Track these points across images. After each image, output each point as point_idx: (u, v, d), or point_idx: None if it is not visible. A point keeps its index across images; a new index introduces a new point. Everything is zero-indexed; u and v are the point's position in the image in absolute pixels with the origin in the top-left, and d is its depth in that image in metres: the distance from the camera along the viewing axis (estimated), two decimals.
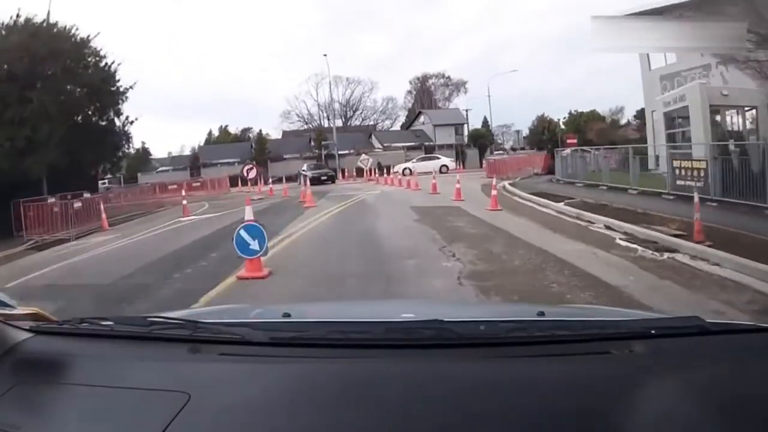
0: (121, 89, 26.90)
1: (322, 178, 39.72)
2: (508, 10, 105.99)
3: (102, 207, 20.90)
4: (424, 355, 1.51)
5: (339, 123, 71.62)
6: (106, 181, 55.15)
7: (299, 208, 20.64)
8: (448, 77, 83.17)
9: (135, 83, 27.85)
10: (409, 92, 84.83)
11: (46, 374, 1.47)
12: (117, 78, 26.81)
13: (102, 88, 25.35)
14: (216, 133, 78.23)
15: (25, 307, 1.66)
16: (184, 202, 23.17)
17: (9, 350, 1.53)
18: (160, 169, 60.41)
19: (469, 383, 1.34)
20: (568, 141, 38.71)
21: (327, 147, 56.54)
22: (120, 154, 30.77)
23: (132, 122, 29.11)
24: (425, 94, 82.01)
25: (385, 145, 60.04)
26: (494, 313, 2.52)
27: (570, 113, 71.47)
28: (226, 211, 21.25)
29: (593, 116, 68.36)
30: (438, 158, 47.13)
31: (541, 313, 1.89)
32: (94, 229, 19.43)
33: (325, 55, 58.13)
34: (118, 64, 26.38)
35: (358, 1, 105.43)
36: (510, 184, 25.22)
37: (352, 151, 56.56)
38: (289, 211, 19.76)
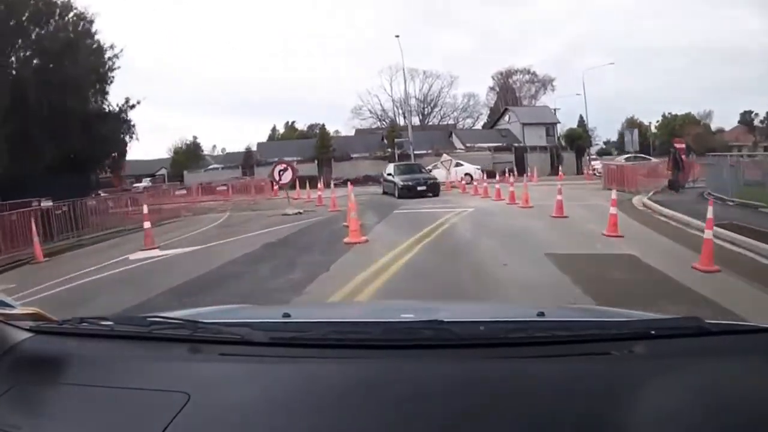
0: (106, 51, 23.02)
1: (419, 188, 26.15)
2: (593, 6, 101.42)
3: (34, 228, 13.95)
4: (424, 355, 1.50)
5: (416, 121, 65.01)
6: (144, 181, 50.65)
7: (335, 244, 12.04)
8: (534, 73, 76.15)
9: (122, 50, 24.42)
10: (492, 89, 78.23)
11: (46, 374, 1.46)
12: (94, 32, 22.87)
13: (77, 50, 21.00)
14: (281, 129, 73.65)
15: (25, 306, 1.67)
16: (147, 224, 14.40)
17: (9, 350, 1.53)
18: (210, 167, 55.92)
19: (469, 384, 1.33)
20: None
21: (401, 146, 49.25)
22: (118, 146, 26.15)
23: (132, 106, 24.72)
24: (508, 91, 75.02)
25: (468, 145, 53.18)
26: (494, 314, 2.55)
27: (663, 116, 65.32)
28: (220, 241, 14.22)
29: (688, 119, 62.08)
30: (461, 164, 39.11)
31: (541, 314, 1.88)
32: (23, 257, 13.82)
33: (397, 36, 51.54)
34: (93, 21, 22.47)
35: None
36: (655, 202, 17.25)
37: (429, 151, 49.42)
38: (308, 256, 10.84)
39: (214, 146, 71.63)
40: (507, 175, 33.08)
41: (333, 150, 52.15)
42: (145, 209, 15.62)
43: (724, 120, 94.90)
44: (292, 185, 24.35)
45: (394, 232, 13.64)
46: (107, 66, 23.85)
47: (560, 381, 1.35)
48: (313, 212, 20.94)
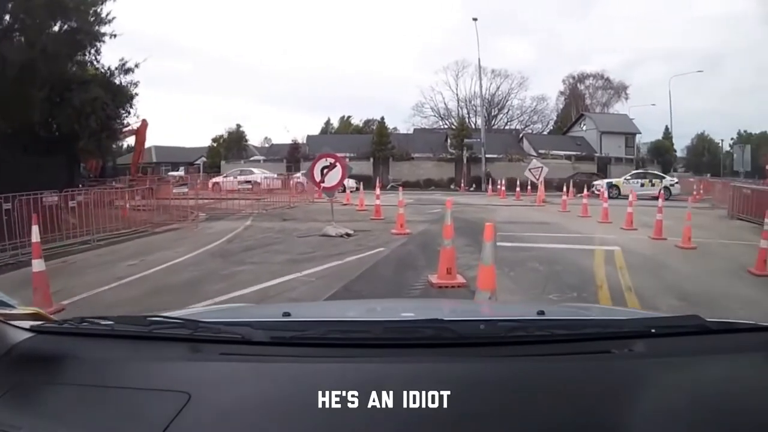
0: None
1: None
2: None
3: None
4: (424, 354, 1.50)
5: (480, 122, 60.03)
6: (181, 170, 47.11)
7: None
8: (607, 78, 71.01)
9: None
10: (562, 93, 73.07)
11: (46, 374, 1.46)
12: None
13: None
14: (336, 123, 69.88)
15: (25, 306, 1.67)
16: (36, 265, 7.05)
17: (9, 350, 1.52)
18: (252, 158, 51.31)
19: (469, 382, 1.33)
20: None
21: (471, 147, 44.58)
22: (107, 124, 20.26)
23: (128, 70, 19.88)
24: (579, 98, 70.41)
25: (541, 151, 48.13)
26: (494, 313, 2.56)
27: (739, 133, 59.97)
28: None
29: (765, 138, 56.24)
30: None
31: (541, 313, 1.90)
32: None
33: (475, 19, 43.35)
34: None
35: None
36: None
37: (501, 155, 45.09)
38: None
39: (266, 138, 67.27)
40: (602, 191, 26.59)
41: (392, 147, 46.80)
42: (36, 235, 7.49)
43: None
44: (342, 188, 19.17)
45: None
46: (96, 22, 19.27)
47: (561, 379, 1.35)
48: (368, 233, 13.90)
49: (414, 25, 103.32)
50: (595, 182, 32.27)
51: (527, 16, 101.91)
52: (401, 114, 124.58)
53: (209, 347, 1.55)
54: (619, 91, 70.40)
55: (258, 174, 33.78)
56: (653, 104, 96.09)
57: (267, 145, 60.54)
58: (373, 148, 46.46)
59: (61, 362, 1.51)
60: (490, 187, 35.63)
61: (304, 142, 52.33)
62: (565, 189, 25.04)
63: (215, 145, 55.16)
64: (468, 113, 65.05)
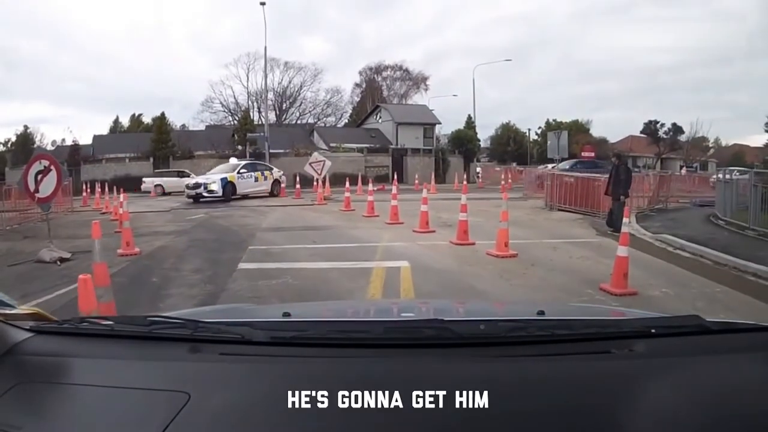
0: None
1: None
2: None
3: None
4: (425, 354, 1.50)
5: (272, 117, 55.44)
6: None
7: None
8: (406, 69, 69.48)
9: None
10: (358, 85, 70.79)
11: (46, 374, 1.45)
12: None
13: None
14: (126, 122, 63.52)
15: (25, 307, 1.68)
16: None
17: (9, 350, 1.51)
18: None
19: (469, 382, 1.32)
20: (584, 155, 30.92)
21: (255, 142, 41.25)
22: None
23: None
24: (376, 90, 68.13)
25: (332, 145, 44.96)
26: (494, 313, 2.58)
27: (548, 123, 60.89)
28: None
29: (576, 127, 57.34)
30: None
31: (541, 312, 1.88)
32: None
33: (262, 3, 38.83)
34: None
35: None
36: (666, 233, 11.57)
37: (289, 150, 41.10)
38: None
39: (53, 141, 58.96)
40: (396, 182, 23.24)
41: (172, 145, 42.90)
42: None
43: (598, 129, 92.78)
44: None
45: None
46: None
47: (561, 379, 1.34)
48: (90, 255, 9.65)
49: (209, 20, 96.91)
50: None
51: (326, 10, 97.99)
52: (193, 111, 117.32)
53: (209, 347, 1.53)
54: (418, 82, 69.30)
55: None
56: (455, 95, 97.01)
57: (52, 148, 52.96)
58: (152, 146, 42.44)
59: (61, 362, 1.48)
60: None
61: (90, 142, 47.41)
62: (347, 185, 20.97)
63: (2, 149, 50.24)
64: (258, 108, 60.68)
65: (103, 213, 20.05)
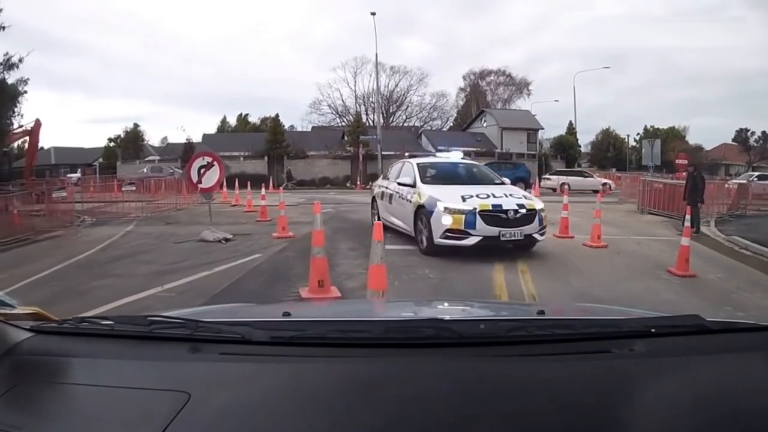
0: None
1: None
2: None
3: None
4: (424, 353, 1.50)
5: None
6: (78, 171, 43.65)
7: None
8: (509, 75, 70.42)
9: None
10: (462, 90, 72.45)
11: (46, 374, 1.45)
12: None
13: None
14: (233, 122, 66.41)
15: (25, 306, 1.67)
16: None
17: (9, 350, 1.51)
18: (149, 158, 48.00)
19: (470, 382, 1.33)
20: (678, 162, 29.28)
21: (367, 144, 42.84)
22: None
23: (12, 66, 18.50)
24: (480, 94, 69.49)
25: (440, 148, 46.46)
26: (494, 312, 2.62)
27: (646, 129, 60.43)
28: None
29: (674, 134, 56.83)
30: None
31: (541, 312, 1.91)
32: None
33: (373, 13, 40.67)
34: None
35: None
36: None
37: (398, 152, 43.06)
38: None
39: (163, 138, 62.78)
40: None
41: (287, 145, 44.68)
42: None
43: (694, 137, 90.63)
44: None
45: None
46: None
47: (561, 379, 1.34)
48: (248, 237, 13.06)
49: (314, 23, 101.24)
50: None
51: (427, 13, 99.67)
52: (299, 112, 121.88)
53: (209, 347, 1.53)
54: (521, 87, 70.26)
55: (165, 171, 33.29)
56: (556, 100, 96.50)
57: (162, 145, 56.94)
58: (267, 146, 44.30)
59: (61, 362, 1.49)
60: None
61: (200, 141, 49.20)
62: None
63: (112, 145, 51.23)
64: (366, 110, 63.76)
65: (233, 206, 21.42)
